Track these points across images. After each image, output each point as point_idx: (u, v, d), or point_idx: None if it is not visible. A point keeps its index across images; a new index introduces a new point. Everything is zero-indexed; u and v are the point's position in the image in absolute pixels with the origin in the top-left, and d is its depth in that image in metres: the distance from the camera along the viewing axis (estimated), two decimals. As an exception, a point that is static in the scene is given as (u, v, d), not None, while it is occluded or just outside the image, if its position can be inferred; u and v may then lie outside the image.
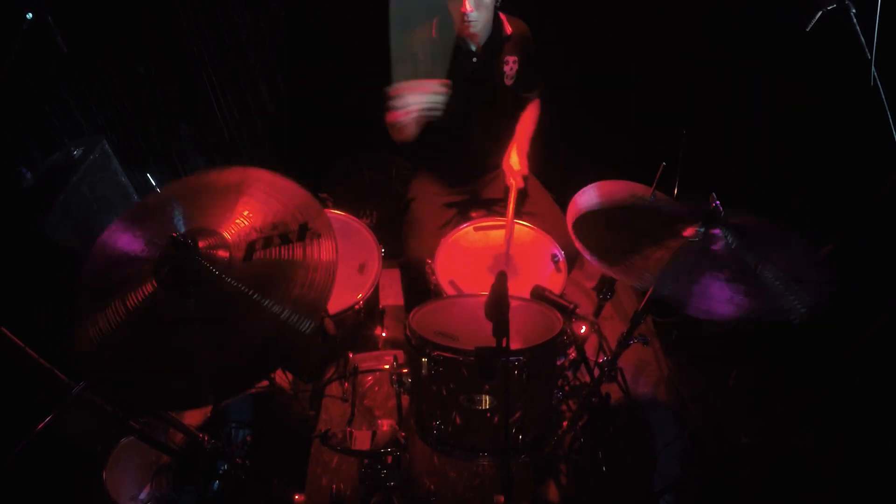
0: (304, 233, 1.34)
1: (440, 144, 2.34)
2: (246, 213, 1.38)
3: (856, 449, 1.91)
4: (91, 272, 1.35)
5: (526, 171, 2.16)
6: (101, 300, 1.29)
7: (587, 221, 1.52)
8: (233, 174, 1.48)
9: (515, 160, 2.17)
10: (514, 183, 2.12)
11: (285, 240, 1.33)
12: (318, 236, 1.34)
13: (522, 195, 2.18)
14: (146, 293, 1.27)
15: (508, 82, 2.15)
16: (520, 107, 2.30)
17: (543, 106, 2.33)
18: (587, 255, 1.38)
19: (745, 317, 1.23)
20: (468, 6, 1.85)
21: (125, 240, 1.36)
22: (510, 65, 2.11)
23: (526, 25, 2.14)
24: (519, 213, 2.14)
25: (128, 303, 1.27)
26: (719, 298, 1.26)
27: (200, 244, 1.28)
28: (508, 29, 2.08)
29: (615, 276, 1.36)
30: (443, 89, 1.80)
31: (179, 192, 1.48)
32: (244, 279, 1.27)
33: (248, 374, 1.22)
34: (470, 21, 1.91)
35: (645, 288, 1.42)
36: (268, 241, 1.33)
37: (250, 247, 1.33)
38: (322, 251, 1.30)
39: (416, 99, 1.79)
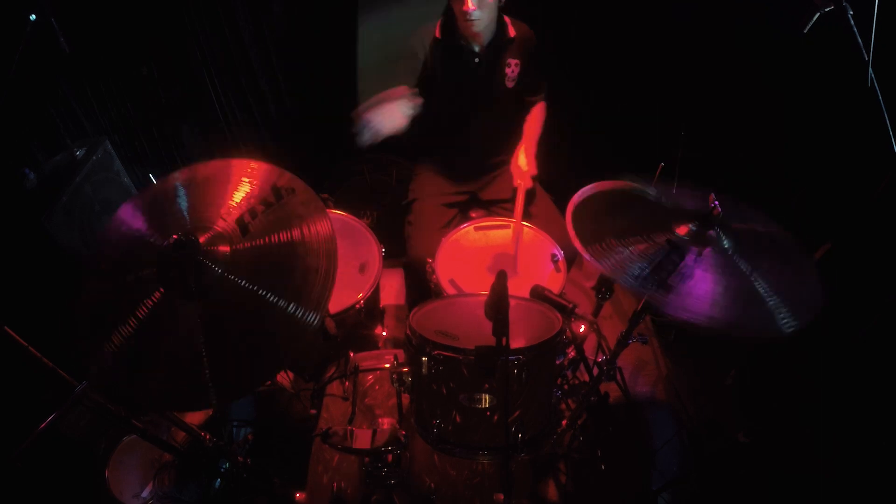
0: (278, 193, 1.40)
1: (441, 144, 2.35)
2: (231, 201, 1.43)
3: (854, 448, 1.92)
4: (99, 266, 1.37)
5: (535, 171, 2.12)
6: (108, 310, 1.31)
7: (586, 207, 1.51)
8: (209, 167, 1.59)
9: (523, 161, 2.13)
10: (523, 183, 2.08)
11: (268, 205, 1.38)
12: (293, 191, 1.41)
13: (531, 196, 2.16)
14: (152, 299, 1.29)
15: (510, 84, 2.15)
16: (521, 109, 2.29)
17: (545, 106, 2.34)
18: (579, 246, 1.37)
19: (728, 325, 1.23)
20: (470, 5, 1.86)
21: (134, 224, 1.40)
22: (512, 67, 2.11)
23: (530, 30, 2.14)
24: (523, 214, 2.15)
25: (134, 310, 1.29)
26: (703, 299, 1.26)
27: (201, 239, 1.30)
28: (512, 32, 2.09)
29: (587, 256, 1.35)
30: (407, 103, 1.94)
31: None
32: (248, 275, 1.29)
33: (254, 374, 1.24)
34: (472, 20, 1.91)
35: (612, 277, 1.40)
36: (253, 213, 1.37)
37: (241, 223, 1.36)
38: (318, 229, 1.32)
39: (379, 119, 1.91)
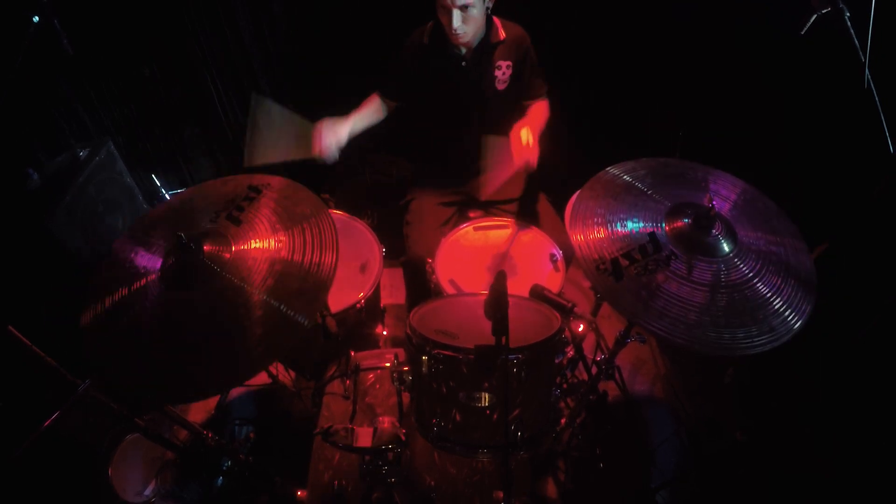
0: (256, 189, 1.51)
1: (436, 147, 2.36)
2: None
3: (854, 448, 1.93)
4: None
5: (537, 152, 1.90)
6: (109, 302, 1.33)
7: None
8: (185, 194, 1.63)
9: (528, 136, 1.89)
10: (521, 162, 1.87)
11: (250, 199, 1.48)
12: (269, 185, 1.52)
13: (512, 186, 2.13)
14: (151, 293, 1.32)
15: (500, 87, 2.14)
16: (516, 110, 2.24)
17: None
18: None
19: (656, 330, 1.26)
20: (455, 22, 1.87)
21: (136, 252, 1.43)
22: (503, 70, 2.10)
23: (523, 30, 2.12)
24: (515, 215, 2.16)
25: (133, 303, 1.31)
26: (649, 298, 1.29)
27: (206, 248, 1.34)
28: (502, 34, 2.07)
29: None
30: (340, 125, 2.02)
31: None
32: (243, 275, 1.32)
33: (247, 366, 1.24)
34: (458, 34, 1.93)
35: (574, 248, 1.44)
36: (239, 207, 1.46)
37: (231, 217, 1.44)
38: (324, 254, 1.36)
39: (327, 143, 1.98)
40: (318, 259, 1.34)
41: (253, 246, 1.37)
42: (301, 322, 1.22)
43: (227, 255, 1.35)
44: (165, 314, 1.28)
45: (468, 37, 1.97)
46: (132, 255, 1.41)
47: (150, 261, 1.39)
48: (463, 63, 2.09)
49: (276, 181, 1.54)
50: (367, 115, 2.16)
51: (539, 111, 2.22)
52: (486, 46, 2.07)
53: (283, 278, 1.30)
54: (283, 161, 1.89)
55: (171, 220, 1.51)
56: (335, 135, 1.99)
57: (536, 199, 2.27)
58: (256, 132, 1.91)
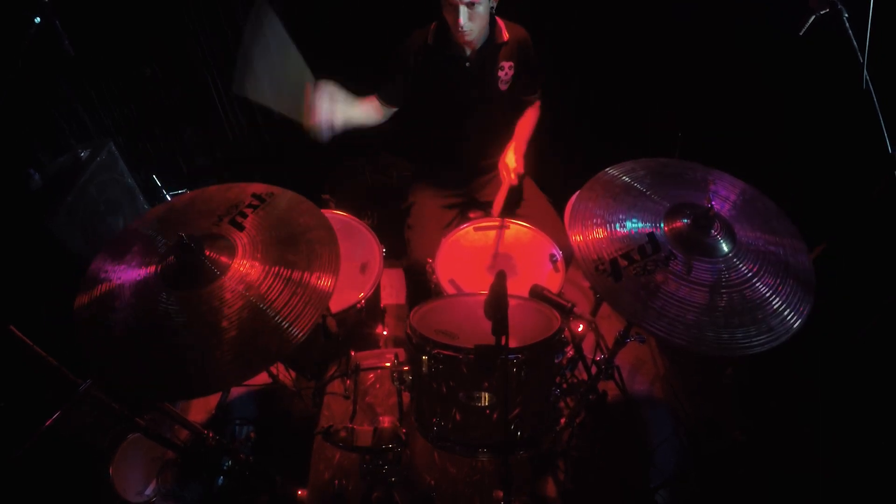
0: (259, 198, 1.55)
1: (437, 147, 2.36)
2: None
3: (854, 448, 1.94)
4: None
5: (521, 170, 2.10)
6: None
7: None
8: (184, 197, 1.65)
9: (512, 158, 2.10)
10: (508, 178, 2.06)
11: (254, 207, 1.52)
12: (272, 194, 1.56)
13: (515, 194, 2.15)
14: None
15: (503, 87, 2.15)
16: (517, 110, 2.29)
17: (542, 108, 2.35)
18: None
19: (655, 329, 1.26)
20: (462, 20, 1.87)
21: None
22: (506, 70, 2.11)
23: (525, 31, 2.12)
24: (515, 215, 2.16)
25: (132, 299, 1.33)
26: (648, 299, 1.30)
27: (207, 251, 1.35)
28: (505, 35, 2.08)
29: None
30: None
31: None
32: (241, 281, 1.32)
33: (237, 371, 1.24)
34: (464, 31, 1.93)
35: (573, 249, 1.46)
36: (242, 214, 1.49)
37: (234, 223, 1.47)
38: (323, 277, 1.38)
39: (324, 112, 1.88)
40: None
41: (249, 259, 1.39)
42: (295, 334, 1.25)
43: (227, 259, 1.36)
44: (165, 314, 1.29)
45: (474, 34, 1.97)
46: (128, 254, 1.43)
47: (146, 261, 1.40)
48: (467, 64, 2.09)
49: (278, 191, 1.58)
50: (365, 110, 2.14)
51: (527, 121, 2.27)
52: (490, 47, 2.08)
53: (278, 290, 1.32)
54: (270, 107, 1.76)
55: (171, 221, 1.52)
56: (331, 115, 1.90)
57: (535, 199, 2.28)
58: (250, 56, 1.77)
